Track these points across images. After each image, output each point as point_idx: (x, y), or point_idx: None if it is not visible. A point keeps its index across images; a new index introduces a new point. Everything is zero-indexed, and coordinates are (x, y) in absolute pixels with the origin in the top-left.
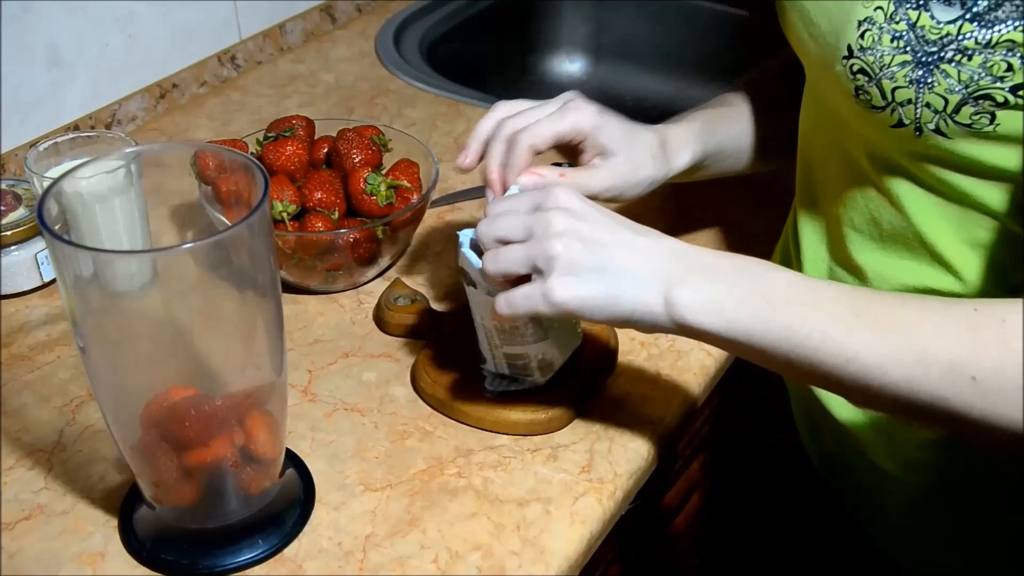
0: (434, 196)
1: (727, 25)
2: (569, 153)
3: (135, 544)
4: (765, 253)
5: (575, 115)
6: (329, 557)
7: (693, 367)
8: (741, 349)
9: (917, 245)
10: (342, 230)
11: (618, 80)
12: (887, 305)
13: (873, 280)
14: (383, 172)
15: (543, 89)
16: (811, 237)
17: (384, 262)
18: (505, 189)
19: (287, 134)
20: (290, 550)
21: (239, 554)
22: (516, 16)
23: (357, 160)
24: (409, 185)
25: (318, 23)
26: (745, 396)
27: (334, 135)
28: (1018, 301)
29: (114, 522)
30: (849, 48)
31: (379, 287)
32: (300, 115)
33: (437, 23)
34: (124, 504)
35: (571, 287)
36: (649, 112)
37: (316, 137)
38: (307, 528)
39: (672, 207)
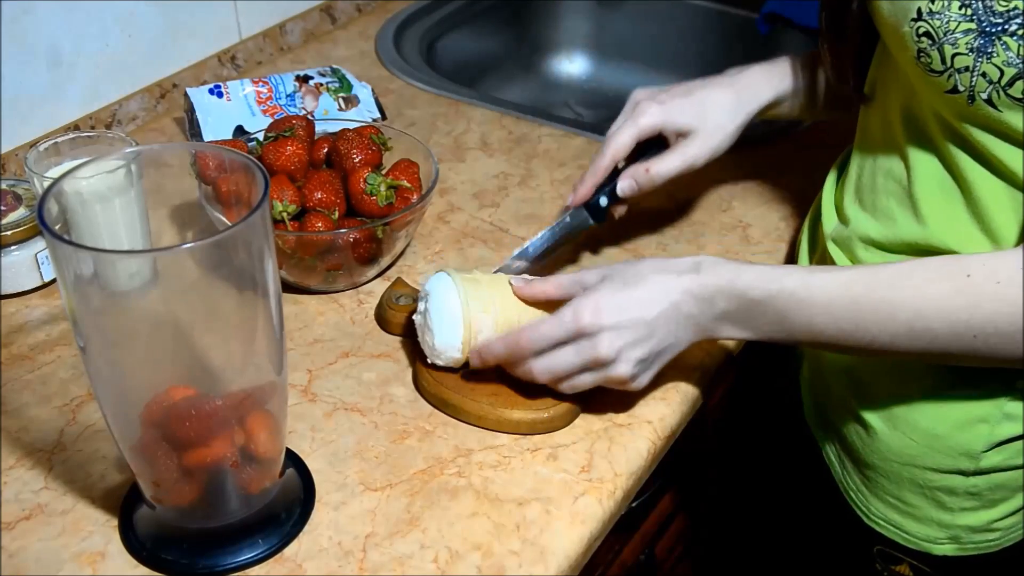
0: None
1: (727, 25)
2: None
3: (135, 544)
4: (766, 252)
5: (641, 119)
6: (329, 557)
7: (693, 367)
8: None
9: (969, 214)
10: (342, 230)
11: (618, 80)
12: (886, 285)
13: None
14: (383, 172)
15: (543, 89)
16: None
17: (384, 262)
18: (588, 198)
19: (287, 134)
20: (290, 550)
21: (239, 554)
22: (516, 16)
23: (357, 160)
24: (409, 185)
25: (318, 23)
26: (750, 394)
27: (334, 135)
28: (1012, 258)
29: (114, 522)
30: (919, 11)
31: (379, 287)
32: (300, 115)
33: (437, 23)
34: (124, 504)
35: (646, 379)
36: None
37: (316, 137)
38: (307, 528)
39: (674, 208)
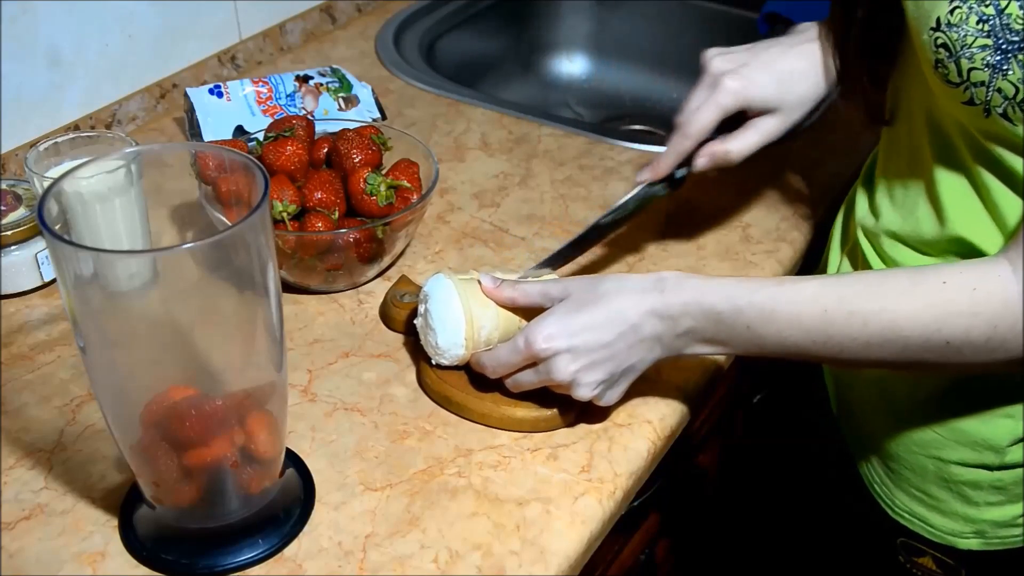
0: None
1: (727, 25)
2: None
3: (135, 544)
4: (766, 252)
5: (723, 99)
6: (329, 557)
7: (693, 367)
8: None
9: (991, 217)
10: (342, 230)
11: (618, 80)
12: (857, 296)
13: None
14: (383, 172)
15: (543, 89)
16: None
17: (384, 262)
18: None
19: (287, 134)
20: (290, 550)
21: (239, 554)
22: (516, 16)
23: (357, 160)
24: (409, 185)
25: (318, 23)
26: (749, 397)
27: (334, 135)
28: (990, 267)
29: (114, 522)
30: (938, 20)
31: (379, 287)
32: (300, 115)
33: (437, 23)
34: (124, 504)
35: (615, 397)
36: (649, 112)
37: (316, 137)
38: (307, 528)
39: (674, 208)
